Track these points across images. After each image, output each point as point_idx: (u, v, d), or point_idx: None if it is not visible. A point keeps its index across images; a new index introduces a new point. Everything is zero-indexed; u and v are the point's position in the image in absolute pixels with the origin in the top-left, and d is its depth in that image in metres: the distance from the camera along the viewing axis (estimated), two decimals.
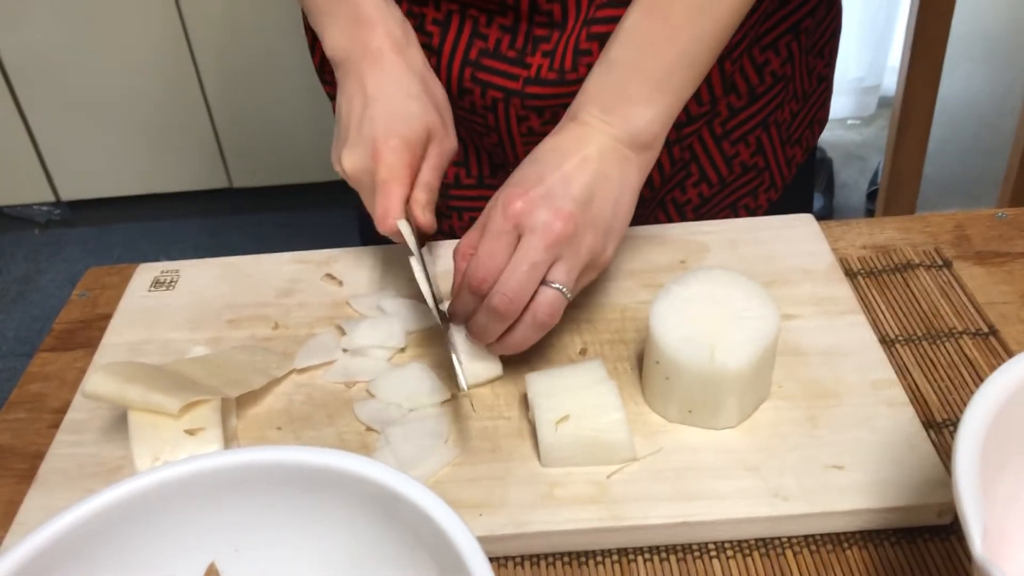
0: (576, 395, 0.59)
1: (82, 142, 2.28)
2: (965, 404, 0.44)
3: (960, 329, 0.68)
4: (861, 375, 0.63)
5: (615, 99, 0.62)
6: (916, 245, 0.76)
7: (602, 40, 0.70)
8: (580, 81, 0.66)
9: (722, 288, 0.61)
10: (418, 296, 0.71)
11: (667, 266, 0.74)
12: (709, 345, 0.57)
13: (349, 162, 0.68)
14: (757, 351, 0.57)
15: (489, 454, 0.60)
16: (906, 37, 1.63)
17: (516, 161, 0.64)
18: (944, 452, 0.58)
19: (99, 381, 0.59)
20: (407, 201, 0.67)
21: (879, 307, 0.70)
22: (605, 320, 0.70)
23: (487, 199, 0.63)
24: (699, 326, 0.58)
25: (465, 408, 0.63)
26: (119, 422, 0.63)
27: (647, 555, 0.55)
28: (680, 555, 0.55)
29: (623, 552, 0.55)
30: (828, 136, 2.43)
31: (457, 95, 0.77)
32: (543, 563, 0.55)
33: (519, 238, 0.59)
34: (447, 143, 0.71)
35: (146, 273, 0.78)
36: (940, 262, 0.74)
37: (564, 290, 0.60)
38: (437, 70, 0.76)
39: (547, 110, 0.75)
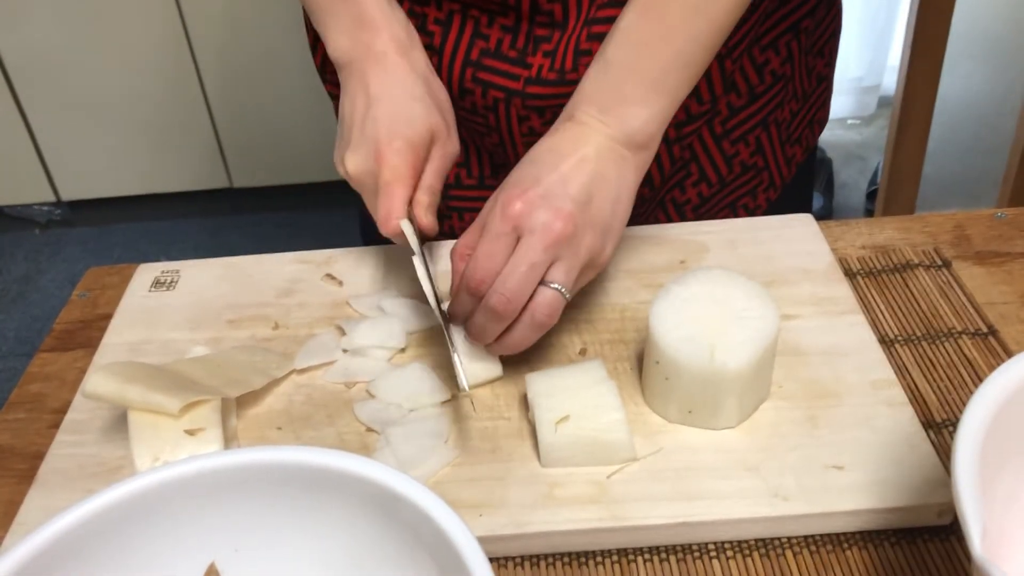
0: (576, 395, 0.59)
1: (82, 142, 2.28)
2: (964, 404, 0.44)
3: (959, 329, 0.68)
4: (861, 375, 0.63)
5: (611, 99, 0.62)
6: (915, 245, 0.76)
7: (603, 40, 0.70)
8: None
9: (722, 288, 0.61)
10: (418, 296, 0.72)
11: (667, 266, 0.74)
12: (709, 345, 0.57)
13: (352, 163, 0.68)
14: (757, 351, 0.57)
15: (489, 454, 0.60)
16: (906, 37, 1.63)
17: (517, 161, 0.64)
18: (944, 452, 0.58)
19: (99, 381, 0.59)
20: (409, 203, 0.67)
21: (879, 307, 0.70)
22: (605, 320, 0.70)
23: (488, 199, 0.63)
24: (699, 326, 0.58)
25: (465, 408, 0.63)
26: (119, 422, 0.63)
27: (647, 555, 0.55)
28: (680, 555, 0.55)
29: (623, 552, 0.55)
30: (828, 136, 2.43)
31: (458, 95, 0.77)
32: (543, 563, 0.55)
33: (518, 239, 0.59)
34: (450, 146, 0.71)
35: (146, 273, 0.78)
36: (939, 262, 0.74)
37: (563, 290, 0.60)
38: (438, 70, 0.76)
39: (548, 110, 0.75)
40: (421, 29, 0.76)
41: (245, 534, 0.47)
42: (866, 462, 0.57)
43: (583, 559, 0.55)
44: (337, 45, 0.70)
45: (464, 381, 0.59)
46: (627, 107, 0.62)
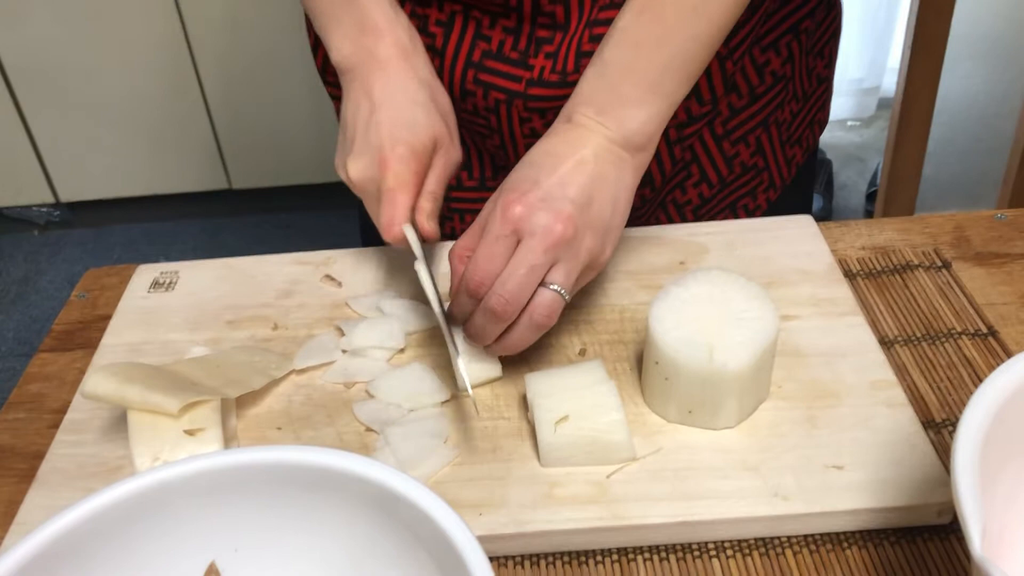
0: (576, 395, 0.59)
1: (82, 143, 2.28)
2: (964, 404, 0.44)
3: (959, 330, 0.68)
4: (860, 376, 0.63)
5: (609, 100, 0.62)
6: (915, 246, 0.76)
7: None
8: None
9: (721, 289, 0.61)
10: (417, 297, 0.72)
11: (666, 267, 0.74)
12: (708, 346, 0.57)
13: (355, 169, 0.67)
14: (756, 352, 0.57)
15: (489, 454, 0.60)
16: (906, 37, 1.63)
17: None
18: (943, 452, 0.58)
19: (98, 381, 0.59)
20: (412, 209, 0.67)
21: (878, 308, 0.70)
22: (604, 321, 0.70)
23: (487, 201, 0.63)
24: (698, 327, 0.58)
25: (465, 408, 0.63)
26: (119, 422, 0.63)
27: (647, 555, 0.55)
28: (680, 555, 0.55)
29: (623, 552, 0.55)
30: (827, 137, 2.43)
31: (460, 97, 0.77)
32: (543, 563, 0.55)
33: (518, 242, 0.59)
34: (452, 152, 0.71)
35: (145, 274, 0.78)
36: (939, 263, 0.74)
37: (562, 292, 0.60)
38: (440, 71, 0.76)
39: (549, 112, 0.75)
40: (423, 30, 0.76)
41: (245, 534, 0.47)
42: (866, 462, 0.57)
43: (583, 558, 0.55)
44: (340, 50, 0.70)
45: (467, 383, 0.59)
46: (625, 108, 0.62)
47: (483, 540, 0.41)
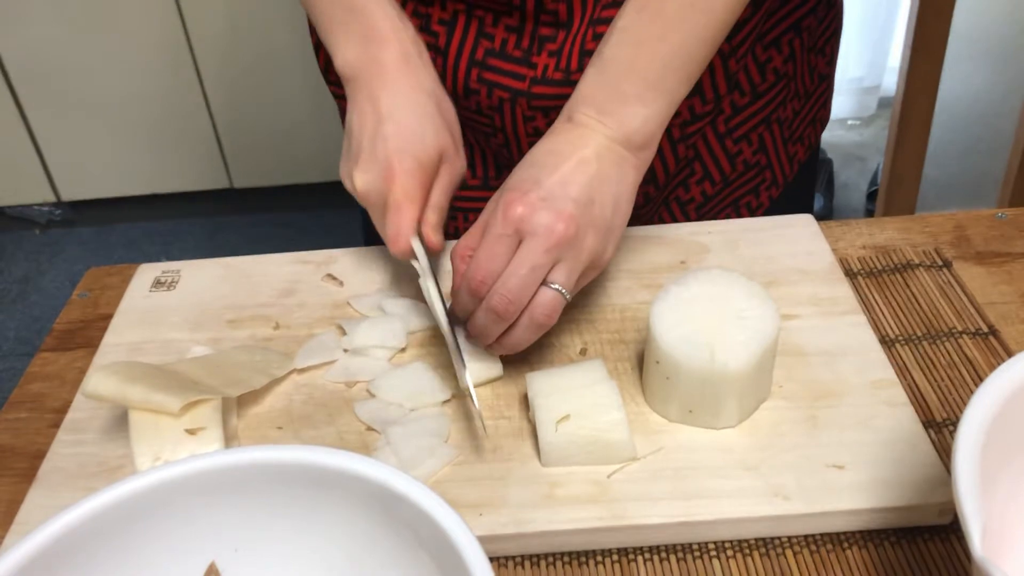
0: (576, 395, 0.59)
1: (82, 142, 2.28)
2: (965, 404, 0.44)
3: (960, 329, 0.68)
4: (861, 375, 0.63)
5: (609, 99, 0.62)
6: (916, 245, 0.76)
7: None
8: None
9: (722, 288, 0.61)
10: (418, 296, 0.72)
11: (667, 266, 0.74)
12: (709, 345, 0.57)
13: (361, 181, 0.67)
14: (757, 351, 0.57)
15: (489, 454, 0.60)
16: (906, 37, 1.63)
17: None
18: (944, 451, 0.58)
19: (99, 381, 0.59)
20: (418, 221, 0.67)
21: (879, 307, 0.70)
22: (605, 320, 0.70)
23: (489, 201, 0.63)
24: (699, 326, 0.58)
25: (465, 408, 0.63)
26: (120, 422, 0.63)
27: (647, 555, 0.55)
28: (680, 555, 0.55)
29: (623, 552, 0.55)
30: (828, 136, 2.43)
31: (463, 95, 0.77)
32: (543, 563, 0.55)
33: (520, 241, 0.59)
34: (458, 164, 0.71)
35: (147, 273, 0.78)
36: (940, 262, 0.74)
37: (563, 291, 0.60)
38: (443, 70, 0.76)
39: (553, 110, 0.75)
40: (425, 29, 0.76)
41: (245, 534, 0.47)
42: (866, 462, 0.57)
43: (583, 558, 0.55)
44: (345, 58, 0.70)
45: (476, 401, 0.59)
46: (626, 107, 0.62)
47: (483, 540, 0.41)
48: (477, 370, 0.64)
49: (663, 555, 0.55)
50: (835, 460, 0.57)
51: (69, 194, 2.38)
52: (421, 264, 0.66)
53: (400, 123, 0.67)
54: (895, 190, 1.78)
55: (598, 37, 0.72)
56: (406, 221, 0.66)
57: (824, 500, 0.55)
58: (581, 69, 0.72)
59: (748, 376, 0.57)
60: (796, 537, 0.55)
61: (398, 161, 0.66)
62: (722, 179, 0.84)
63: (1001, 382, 0.44)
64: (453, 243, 0.65)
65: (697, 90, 0.76)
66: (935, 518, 0.55)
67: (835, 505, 0.54)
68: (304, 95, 2.18)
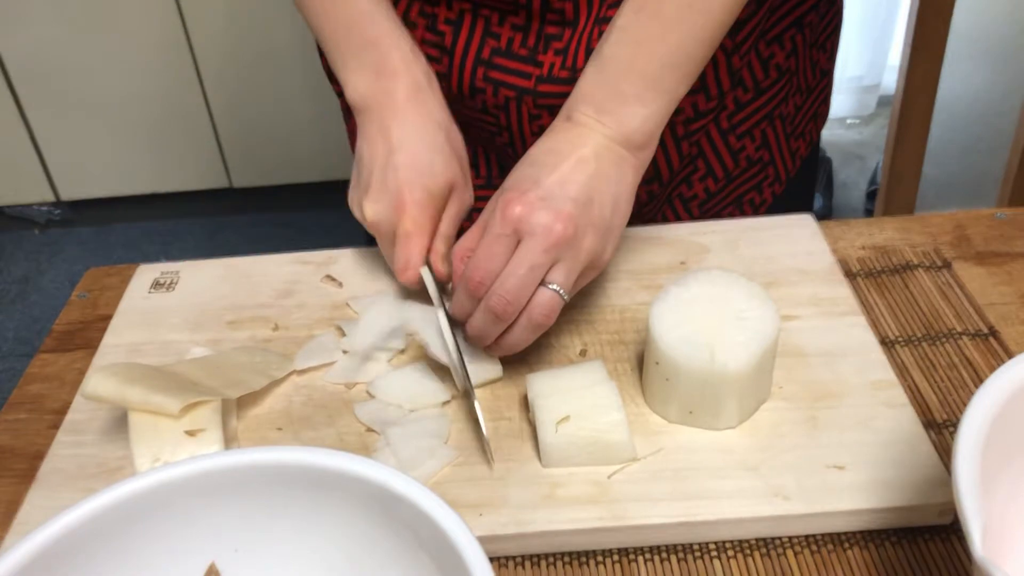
0: (576, 396, 0.59)
1: (82, 142, 2.28)
2: (965, 405, 0.44)
3: (960, 330, 0.68)
4: (861, 376, 0.63)
5: (609, 98, 0.62)
6: (916, 245, 0.76)
7: None
8: None
9: (722, 289, 0.61)
10: (418, 297, 0.71)
11: (667, 267, 0.74)
12: (709, 346, 0.57)
13: (371, 212, 0.68)
14: (757, 352, 0.57)
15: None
16: (906, 36, 1.63)
17: None
18: (944, 452, 0.58)
19: (99, 382, 0.59)
20: (427, 251, 0.68)
21: (879, 308, 0.70)
22: (605, 321, 0.70)
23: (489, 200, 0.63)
24: (699, 327, 0.58)
25: (465, 409, 0.63)
26: (119, 423, 0.63)
27: (648, 555, 0.55)
28: (681, 555, 0.55)
29: (624, 552, 0.55)
30: (827, 135, 2.43)
31: (469, 95, 0.77)
32: (543, 563, 0.55)
33: (518, 242, 0.59)
34: (467, 195, 0.72)
35: (146, 274, 0.78)
36: (940, 263, 0.74)
37: (561, 291, 0.60)
38: (449, 70, 0.76)
39: (559, 109, 0.75)
40: (431, 29, 0.76)
41: (245, 534, 0.47)
42: (867, 462, 0.57)
43: (584, 559, 0.55)
44: (357, 89, 0.70)
45: (484, 428, 0.59)
46: (625, 106, 0.62)
47: (483, 540, 0.41)
48: (476, 371, 0.64)
49: (663, 555, 0.55)
50: (835, 461, 0.57)
51: (69, 194, 2.38)
52: (430, 293, 0.66)
53: (411, 154, 0.68)
54: (895, 189, 1.78)
55: None
56: (416, 251, 0.67)
57: (824, 500, 0.55)
58: None
59: (748, 377, 0.57)
60: (796, 537, 0.55)
61: (408, 192, 0.67)
62: (725, 175, 0.84)
63: (1001, 383, 0.44)
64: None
65: (701, 87, 0.77)
66: (935, 518, 0.55)
67: (835, 505, 0.54)
68: (304, 95, 2.18)
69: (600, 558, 0.55)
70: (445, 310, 0.65)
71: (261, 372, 0.65)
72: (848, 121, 2.51)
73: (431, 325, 0.65)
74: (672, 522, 0.54)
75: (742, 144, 0.83)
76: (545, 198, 0.59)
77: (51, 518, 0.43)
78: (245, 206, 2.42)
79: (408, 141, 0.68)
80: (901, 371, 0.65)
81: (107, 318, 0.74)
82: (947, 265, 0.73)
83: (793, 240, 0.75)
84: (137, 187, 2.38)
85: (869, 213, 2.17)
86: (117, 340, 0.72)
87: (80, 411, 0.65)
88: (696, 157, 0.83)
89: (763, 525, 0.55)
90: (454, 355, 0.63)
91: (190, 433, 0.58)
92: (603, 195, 0.61)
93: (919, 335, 0.68)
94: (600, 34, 0.72)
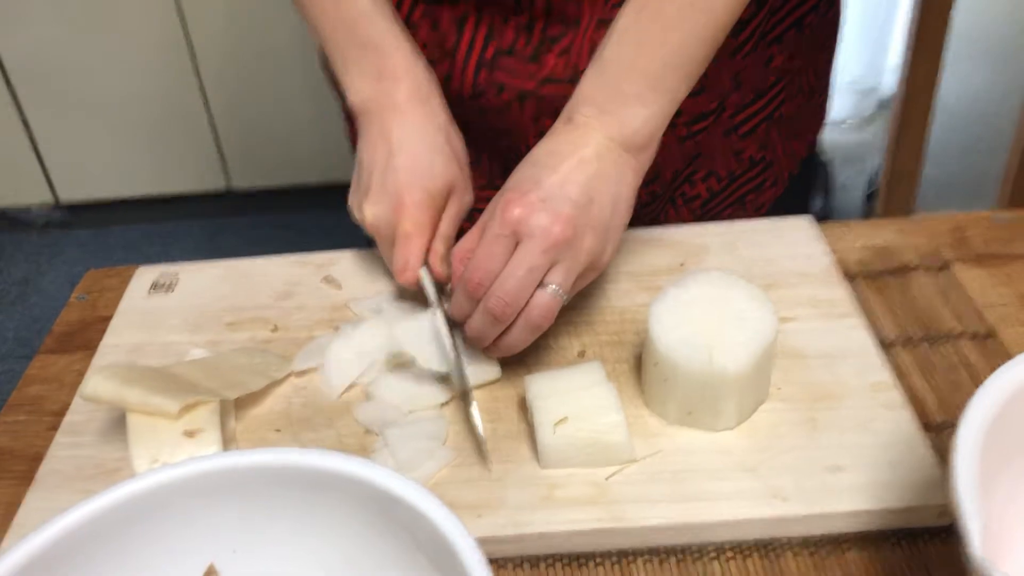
0: (575, 397, 0.59)
1: (82, 144, 2.28)
2: (964, 406, 0.44)
3: (959, 331, 0.68)
4: (860, 377, 0.63)
5: (609, 99, 0.62)
6: (915, 247, 0.76)
7: None
8: None
9: (721, 290, 0.61)
10: (417, 298, 0.71)
11: (666, 268, 0.74)
12: (708, 347, 0.57)
13: (371, 213, 0.68)
14: (756, 353, 0.57)
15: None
16: (906, 37, 1.63)
17: None
18: (942, 454, 0.58)
19: (98, 383, 0.59)
20: (426, 252, 0.68)
21: (878, 309, 0.70)
22: (604, 322, 0.70)
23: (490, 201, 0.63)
24: (698, 328, 0.58)
25: (464, 410, 0.63)
26: (118, 424, 0.63)
27: (646, 557, 0.55)
28: (679, 557, 0.55)
29: (622, 554, 0.55)
30: (827, 137, 2.42)
31: (472, 95, 0.77)
32: (542, 565, 0.55)
33: (518, 243, 0.59)
34: (466, 197, 0.72)
35: (145, 275, 0.78)
36: (939, 264, 0.74)
37: (560, 292, 0.60)
38: (452, 70, 0.76)
39: (562, 109, 0.75)
40: (435, 29, 0.76)
41: (244, 535, 0.47)
42: (865, 464, 0.57)
43: (582, 560, 0.55)
44: (358, 93, 0.71)
45: (481, 431, 0.59)
46: (626, 107, 0.62)
47: (482, 542, 0.41)
48: (475, 373, 0.64)
49: (662, 557, 0.55)
50: (834, 462, 0.57)
51: (68, 196, 2.38)
52: (428, 295, 0.66)
53: (411, 155, 0.68)
54: (894, 190, 1.78)
55: None
56: (415, 252, 0.67)
57: (823, 502, 0.55)
58: None
59: (747, 378, 0.57)
60: (795, 539, 0.55)
61: (408, 193, 0.67)
62: (727, 176, 0.84)
63: (1000, 384, 0.44)
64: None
65: (702, 88, 0.77)
66: (934, 520, 0.55)
67: (834, 507, 0.54)
68: (304, 95, 2.18)
69: (599, 560, 0.55)
70: (443, 311, 0.65)
71: (260, 373, 0.65)
72: (847, 123, 2.51)
73: (421, 336, 0.65)
74: (670, 523, 0.54)
75: (744, 145, 0.83)
76: (545, 199, 0.59)
77: (49, 520, 0.43)
78: (245, 208, 2.42)
79: (408, 143, 0.68)
80: (900, 373, 0.65)
81: (106, 319, 0.74)
82: (946, 267, 0.73)
83: (792, 242, 0.75)
84: (136, 189, 2.38)
85: (868, 214, 2.17)
86: (116, 341, 0.72)
87: (78, 412, 0.65)
88: (698, 158, 0.83)
89: (762, 526, 0.55)
90: (452, 356, 0.63)
91: (188, 434, 0.58)
92: (603, 196, 0.61)
93: (918, 336, 0.68)
94: (603, 35, 0.72)
